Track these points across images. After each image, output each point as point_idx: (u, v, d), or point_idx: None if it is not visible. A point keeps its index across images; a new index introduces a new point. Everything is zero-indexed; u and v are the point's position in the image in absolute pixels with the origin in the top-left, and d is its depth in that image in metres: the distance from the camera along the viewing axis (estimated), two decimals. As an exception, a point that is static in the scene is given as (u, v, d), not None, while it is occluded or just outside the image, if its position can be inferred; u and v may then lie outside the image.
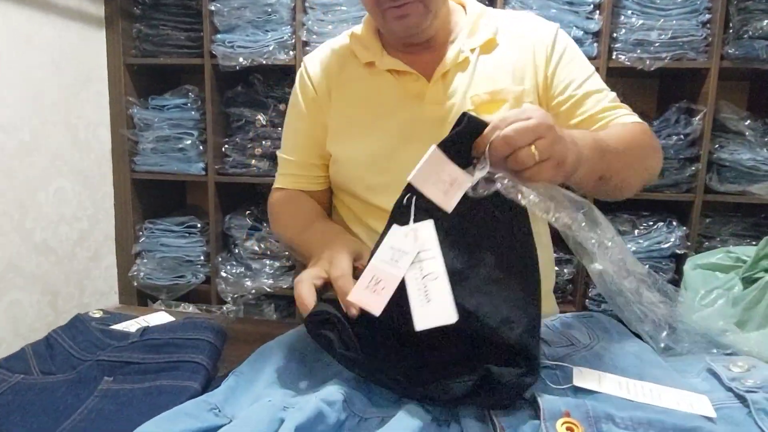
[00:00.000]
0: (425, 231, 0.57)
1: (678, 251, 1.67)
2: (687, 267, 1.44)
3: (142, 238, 1.97)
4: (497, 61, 0.88)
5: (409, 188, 0.57)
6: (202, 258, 1.98)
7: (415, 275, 0.55)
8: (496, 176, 0.54)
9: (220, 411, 0.60)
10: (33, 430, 0.56)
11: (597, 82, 0.88)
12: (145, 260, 1.98)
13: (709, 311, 1.27)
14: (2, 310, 1.52)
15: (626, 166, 0.76)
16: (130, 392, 0.61)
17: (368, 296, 0.56)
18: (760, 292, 1.13)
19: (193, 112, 1.88)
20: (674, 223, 1.69)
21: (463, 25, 0.90)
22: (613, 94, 0.88)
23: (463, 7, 0.94)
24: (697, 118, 1.61)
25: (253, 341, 0.90)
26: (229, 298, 1.96)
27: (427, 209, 0.57)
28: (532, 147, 0.53)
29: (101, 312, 0.85)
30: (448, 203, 0.55)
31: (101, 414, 0.58)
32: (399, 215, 0.59)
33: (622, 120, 0.84)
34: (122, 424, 0.55)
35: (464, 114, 0.55)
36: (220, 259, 1.97)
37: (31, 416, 0.58)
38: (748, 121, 1.62)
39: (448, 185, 0.55)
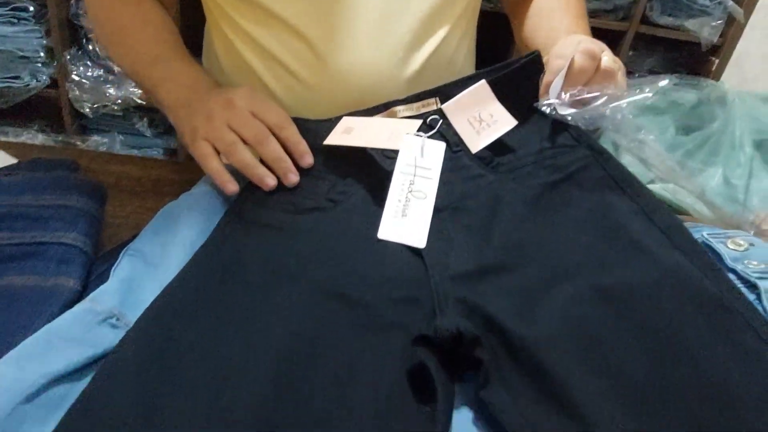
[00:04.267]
0: (435, 151, 0.50)
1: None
2: (632, 146, 1.40)
3: (-52, 21, 1.45)
4: None
5: (437, 112, 0.52)
6: (42, 54, 1.53)
7: (402, 184, 0.47)
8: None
9: (118, 320, 0.41)
10: None
11: None
12: (-42, 53, 1.48)
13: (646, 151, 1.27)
14: None
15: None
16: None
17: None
18: (702, 139, 1.12)
19: None
20: (601, 53, 1.59)
21: None
22: None
23: None
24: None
25: (144, 192, 0.67)
26: (87, 109, 1.59)
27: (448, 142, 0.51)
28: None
29: None
30: (477, 143, 0.50)
31: None
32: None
33: None
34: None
35: (535, 53, 0.52)
36: (68, 56, 1.54)
37: None
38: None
39: (485, 125, 0.51)
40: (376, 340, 0.36)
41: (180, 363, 0.33)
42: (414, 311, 0.38)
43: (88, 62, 1.57)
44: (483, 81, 0.50)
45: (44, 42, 1.52)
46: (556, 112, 0.49)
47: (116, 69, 1.58)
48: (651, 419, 0.32)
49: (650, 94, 0.50)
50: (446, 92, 0.51)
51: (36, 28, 1.50)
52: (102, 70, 1.58)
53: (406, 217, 0.44)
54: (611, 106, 0.49)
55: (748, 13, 1.55)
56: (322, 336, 0.36)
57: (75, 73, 1.56)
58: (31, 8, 1.47)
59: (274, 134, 0.51)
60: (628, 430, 0.31)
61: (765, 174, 1.03)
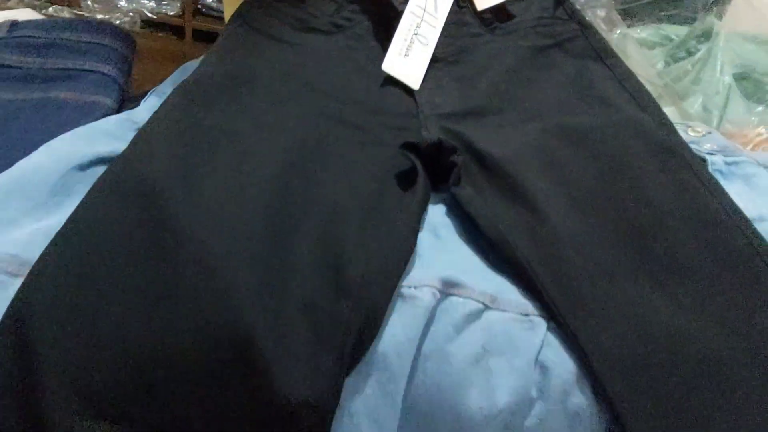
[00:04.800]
0: (443, 1, 0.53)
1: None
2: (615, 39, 1.43)
3: None
4: None
5: None
6: (54, -41, 1.54)
7: (410, 24, 0.51)
8: None
9: (148, 131, 0.47)
10: None
11: None
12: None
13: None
14: None
15: None
16: (13, 104, 0.46)
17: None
18: (684, 70, 1.16)
19: None
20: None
21: None
22: None
23: None
24: None
25: (164, 60, 0.73)
26: (98, 18, 1.62)
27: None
28: None
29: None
30: (484, 1, 0.54)
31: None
32: None
33: None
34: (8, 140, 0.41)
35: None
36: (80, -36, 1.56)
37: None
38: None
39: None
40: (371, 151, 0.43)
41: (204, 139, 0.39)
42: (404, 135, 0.45)
43: (100, -28, 1.59)
44: None
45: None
46: None
47: (127, -20, 1.60)
48: (592, 216, 0.39)
49: None
50: None
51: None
52: (113, -19, 1.60)
53: (408, 57, 0.49)
54: None
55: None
56: (325, 143, 0.42)
57: (87, -19, 1.58)
58: None
59: None
60: (573, 220, 0.39)
61: (741, 102, 1.08)
